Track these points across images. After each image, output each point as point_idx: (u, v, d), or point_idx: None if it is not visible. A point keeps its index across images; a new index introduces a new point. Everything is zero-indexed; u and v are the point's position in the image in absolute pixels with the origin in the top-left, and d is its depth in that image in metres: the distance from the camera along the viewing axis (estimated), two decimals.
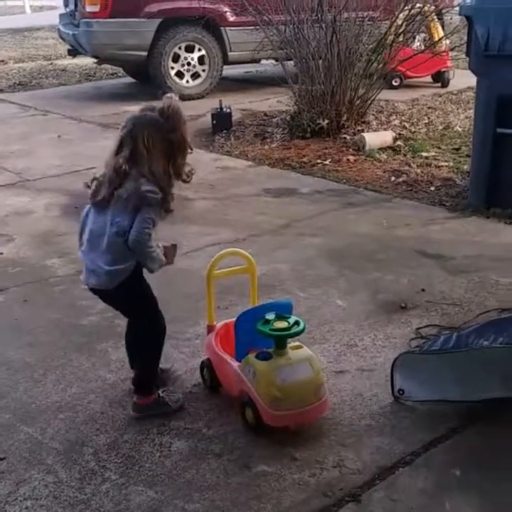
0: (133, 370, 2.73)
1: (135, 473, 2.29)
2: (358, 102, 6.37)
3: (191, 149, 2.48)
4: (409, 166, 5.48)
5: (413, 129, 6.49)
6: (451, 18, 7.49)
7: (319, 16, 6.12)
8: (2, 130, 7.06)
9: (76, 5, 8.26)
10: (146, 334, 2.59)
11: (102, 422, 2.55)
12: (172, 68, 8.10)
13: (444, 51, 7.67)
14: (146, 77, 8.49)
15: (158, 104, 2.43)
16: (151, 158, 2.38)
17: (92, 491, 2.21)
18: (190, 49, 8.15)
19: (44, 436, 2.48)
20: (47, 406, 2.65)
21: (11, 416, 2.59)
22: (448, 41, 7.60)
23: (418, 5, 6.42)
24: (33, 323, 3.26)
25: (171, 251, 2.57)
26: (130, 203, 2.36)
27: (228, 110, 6.71)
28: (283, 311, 2.50)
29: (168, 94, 2.44)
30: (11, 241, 4.25)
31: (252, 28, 6.76)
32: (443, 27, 7.75)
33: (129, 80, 9.57)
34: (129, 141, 2.37)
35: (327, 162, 5.66)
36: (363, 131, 6.22)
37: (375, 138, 5.99)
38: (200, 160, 5.92)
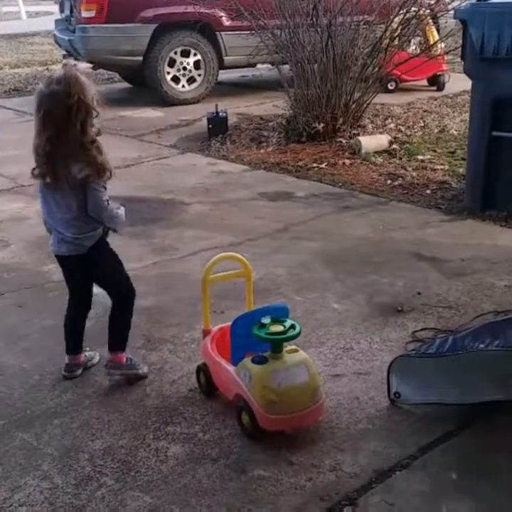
0: (68, 356, 2.86)
1: (131, 478, 2.28)
2: (353, 105, 6.37)
3: (96, 112, 2.52)
4: (405, 169, 5.49)
5: (409, 133, 6.49)
6: (446, 22, 7.52)
7: (314, 20, 6.13)
8: None
9: (72, 11, 8.27)
10: (126, 295, 2.78)
11: (97, 428, 2.54)
12: (168, 73, 8.10)
13: (439, 55, 7.69)
14: (141, 82, 8.50)
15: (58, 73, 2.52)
16: (68, 132, 2.47)
17: (87, 496, 2.20)
18: (185, 54, 8.15)
19: (39, 442, 2.47)
20: (42, 412, 2.64)
21: (6, 422, 2.58)
22: (443, 45, 7.62)
23: (413, 9, 6.44)
24: (28, 329, 3.25)
25: None
26: (74, 183, 2.51)
27: (224, 114, 6.71)
28: (279, 314, 2.49)
29: (65, 61, 2.55)
30: (6, 247, 4.24)
31: (247, 32, 6.76)
32: (438, 30, 7.77)
33: (125, 85, 9.57)
34: (48, 120, 2.47)
35: (323, 166, 5.66)
36: (358, 134, 6.22)
37: (371, 141, 5.99)
38: (196, 164, 5.94)
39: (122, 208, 2.68)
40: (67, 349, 2.87)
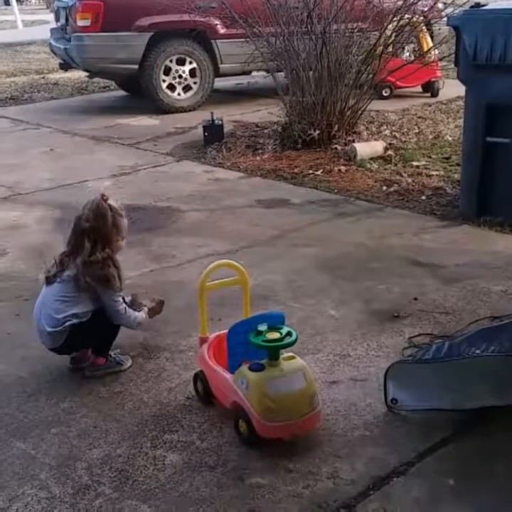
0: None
1: (129, 487, 2.28)
2: (348, 112, 6.39)
3: (114, 239, 2.87)
4: (401, 175, 5.50)
5: (404, 139, 6.52)
6: (439, 29, 7.56)
7: (309, 27, 6.15)
8: None
9: (67, 19, 8.29)
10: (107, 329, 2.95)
11: (95, 436, 2.54)
12: (164, 81, 8.12)
13: (433, 61, 7.73)
14: (138, 90, 8.52)
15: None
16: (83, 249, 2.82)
17: (85, 506, 2.20)
18: (181, 62, 8.17)
19: (37, 451, 2.47)
20: (40, 421, 2.64)
21: (4, 431, 2.58)
22: (437, 51, 7.65)
23: (407, 16, 6.48)
24: (25, 338, 3.23)
25: (157, 308, 3.05)
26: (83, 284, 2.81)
27: (220, 122, 6.73)
28: (275, 321, 2.50)
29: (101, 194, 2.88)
30: (3, 255, 4.24)
31: (242, 40, 6.79)
32: (432, 37, 7.81)
33: (121, 93, 9.59)
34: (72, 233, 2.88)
35: (319, 172, 5.68)
36: (353, 141, 6.24)
37: (366, 148, 6.01)
38: (192, 172, 5.95)
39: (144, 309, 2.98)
40: None
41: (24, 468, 2.38)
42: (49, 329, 2.83)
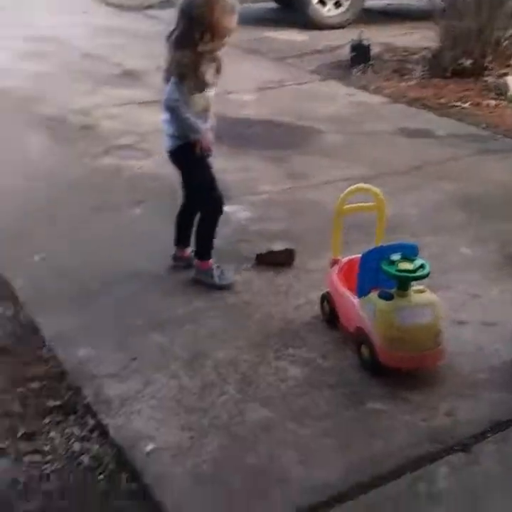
0: (175, 247, 3.13)
1: (252, 391, 2.39)
2: (505, 43, 6.00)
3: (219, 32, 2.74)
4: None
5: None
6: None
7: None
8: (147, 48, 7.10)
9: None
10: (202, 205, 2.96)
11: (223, 339, 2.66)
12: None
13: None
14: (288, 2, 8.35)
15: None
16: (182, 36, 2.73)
17: (211, 401, 2.34)
18: None
19: (171, 343, 2.63)
20: (175, 317, 2.80)
21: (143, 323, 2.76)
22: None
23: None
24: (166, 237, 3.20)
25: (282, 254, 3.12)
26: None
27: (368, 43, 6.51)
28: (409, 253, 2.45)
29: None
30: (149, 156, 4.40)
31: None
32: None
33: (272, 4, 9.41)
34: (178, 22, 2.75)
35: (466, 105, 5.43)
36: (507, 74, 5.87)
37: None
38: (335, 93, 5.85)
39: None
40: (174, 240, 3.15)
41: (159, 358, 2.55)
42: (168, 132, 2.92)
